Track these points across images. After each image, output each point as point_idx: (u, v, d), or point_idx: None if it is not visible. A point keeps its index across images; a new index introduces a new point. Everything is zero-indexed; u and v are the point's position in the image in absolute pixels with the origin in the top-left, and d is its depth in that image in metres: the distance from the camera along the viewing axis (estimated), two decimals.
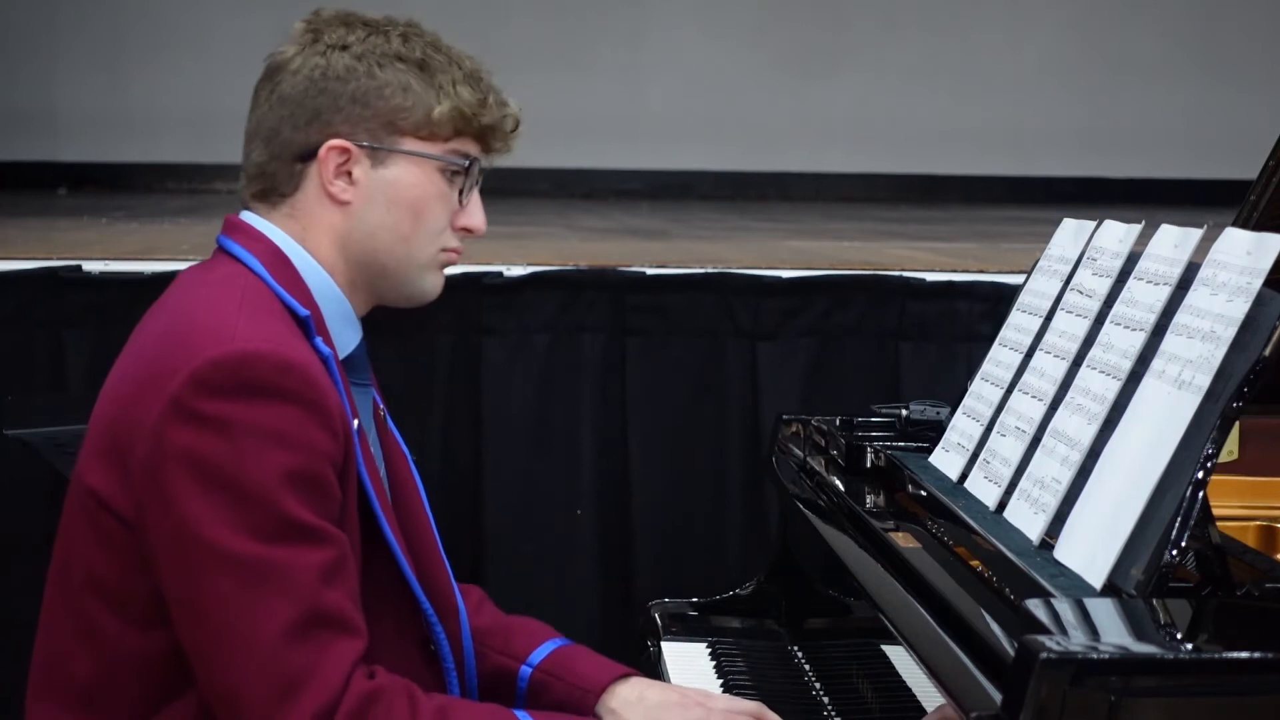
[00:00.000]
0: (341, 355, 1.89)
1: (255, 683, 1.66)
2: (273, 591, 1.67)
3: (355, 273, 1.91)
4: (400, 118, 1.88)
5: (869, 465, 2.35)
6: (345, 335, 1.91)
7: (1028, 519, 1.90)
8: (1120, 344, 1.89)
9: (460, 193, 1.94)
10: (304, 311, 1.82)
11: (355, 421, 1.84)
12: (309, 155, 1.88)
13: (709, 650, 2.44)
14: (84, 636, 1.80)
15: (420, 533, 2.01)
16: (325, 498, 1.73)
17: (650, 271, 3.75)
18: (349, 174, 1.88)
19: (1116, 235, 2.08)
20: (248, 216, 1.92)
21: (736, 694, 2.21)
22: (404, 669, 1.82)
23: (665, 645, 2.48)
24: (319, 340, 1.82)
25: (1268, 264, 1.70)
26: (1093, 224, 2.16)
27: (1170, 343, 1.78)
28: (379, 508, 1.86)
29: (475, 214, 1.96)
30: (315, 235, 1.90)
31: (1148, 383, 1.79)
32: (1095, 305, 2.03)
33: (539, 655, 2.13)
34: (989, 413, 2.17)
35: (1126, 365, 1.86)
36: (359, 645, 1.71)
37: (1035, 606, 1.54)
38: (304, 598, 1.67)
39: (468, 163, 1.93)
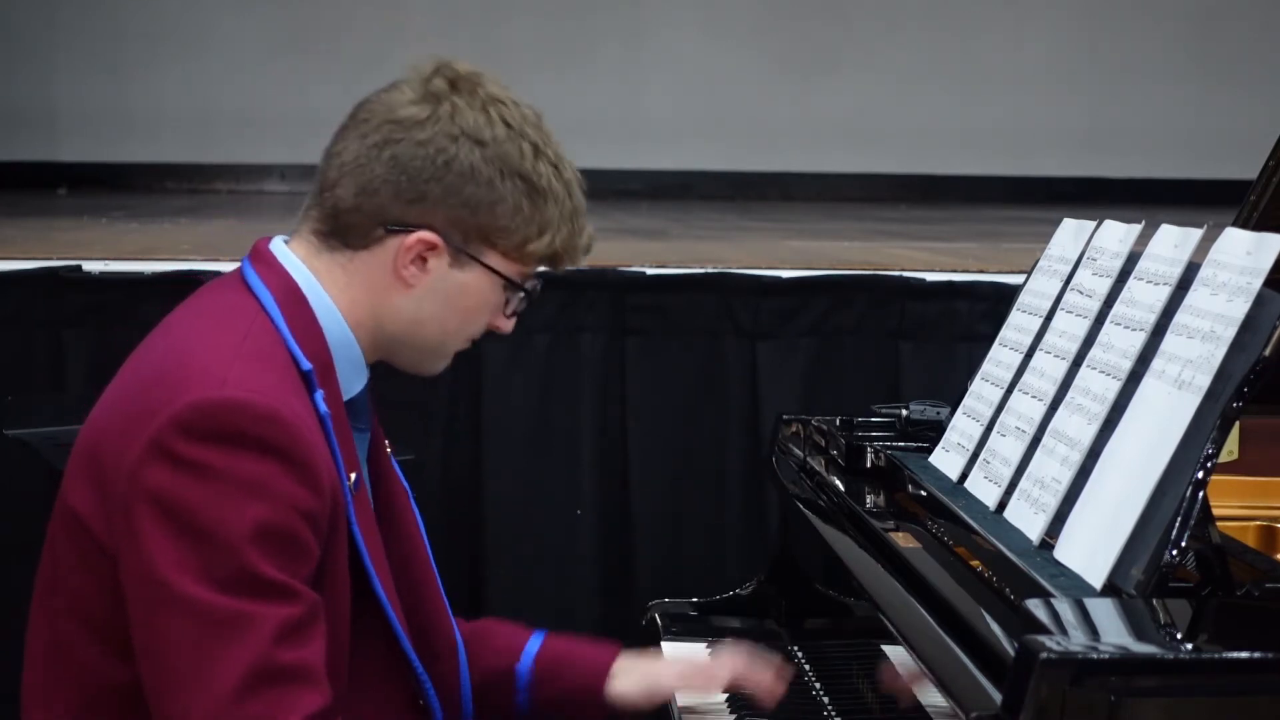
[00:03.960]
0: (345, 398, 1.86)
1: None
2: (229, 642, 1.64)
3: (380, 336, 1.88)
4: (498, 236, 1.85)
5: (869, 465, 2.35)
6: (351, 381, 1.88)
7: (1028, 519, 1.90)
8: (1120, 344, 1.89)
9: (509, 303, 1.92)
10: (307, 365, 1.79)
11: (353, 476, 1.82)
12: (397, 230, 1.83)
13: (709, 650, 2.44)
14: (66, 664, 1.78)
15: (419, 572, 2.00)
16: (296, 555, 1.69)
17: (650, 271, 3.75)
18: (424, 260, 1.84)
19: (1116, 235, 2.08)
20: (276, 248, 1.87)
21: (736, 694, 2.22)
22: None
23: (665, 645, 2.48)
24: (319, 396, 1.79)
25: (1268, 264, 1.70)
26: (1093, 224, 2.16)
27: (1170, 343, 1.78)
28: (372, 568, 1.84)
29: (511, 321, 1.95)
30: (356, 291, 1.85)
31: (1148, 383, 1.79)
32: (1095, 305, 2.03)
33: (531, 650, 2.13)
34: (989, 413, 2.17)
35: (1126, 365, 1.86)
36: (317, 701, 1.67)
37: (1035, 606, 1.54)
38: (260, 652, 1.64)
39: (531, 287, 1.92)
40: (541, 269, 1.93)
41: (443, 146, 1.82)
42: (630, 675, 2.11)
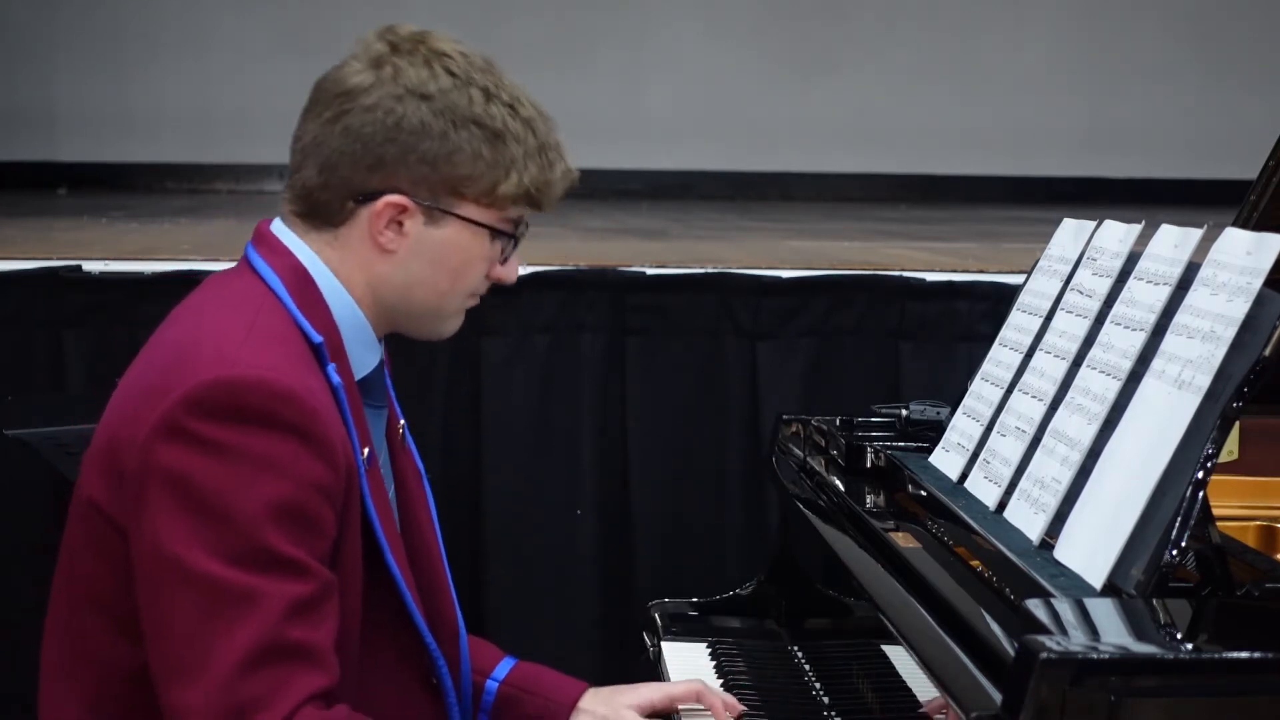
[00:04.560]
0: (359, 377, 1.87)
1: (205, 706, 1.63)
2: (237, 617, 1.64)
3: (381, 308, 1.89)
4: (464, 185, 1.84)
5: (869, 465, 2.35)
6: (364, 358, 1.89)
7: (1028, 519, 1.90)
8: (1120, 344, 1.89)
9: (502, 251, 1.91)
10: (318, 338, 1.80)
11: (365, 450, 1.82)
12: (365, 199, 1.84)
13: (709, 650, 2.44)
14: (81, 652, 1.79)
15: (427, 554, 2.00)
16: (311, 532, 1.70)
17: (650, 271, 3.75)
18: (399, 224, 1.84)
19: (1116, 235, 2.08)
20: (278, 229, 1.89)
21: (736, 694, 2.22)
22: (405, 704, 1.80)
23: (665, 645, 2.48)
24: (331, 368, 1.80)
25: (1268, 264, 1.70)
26: (1093, 224, 2.16)
27: (1170, 343, 1.78)
28: (385, 542, 1.84)
29: (511, 269, 1.94)
30: (350, 268, 1.86)
31: (1148, 383, 1.79)
32: (1095, 305, 2.03)
33: (502, 671, 2.13)
34: (989, 413, 2.17)
35: (1126, 365, 1.86)
36: (320, 681, 1.67)
37: (1035, 606, 1.54)
38: (268, 628, 1.64)
39: (518, 229, 1.91)
40: (527, 214, 1.91)
41: (390, 108, 1.82)
42: (594, 707, 2.10)
